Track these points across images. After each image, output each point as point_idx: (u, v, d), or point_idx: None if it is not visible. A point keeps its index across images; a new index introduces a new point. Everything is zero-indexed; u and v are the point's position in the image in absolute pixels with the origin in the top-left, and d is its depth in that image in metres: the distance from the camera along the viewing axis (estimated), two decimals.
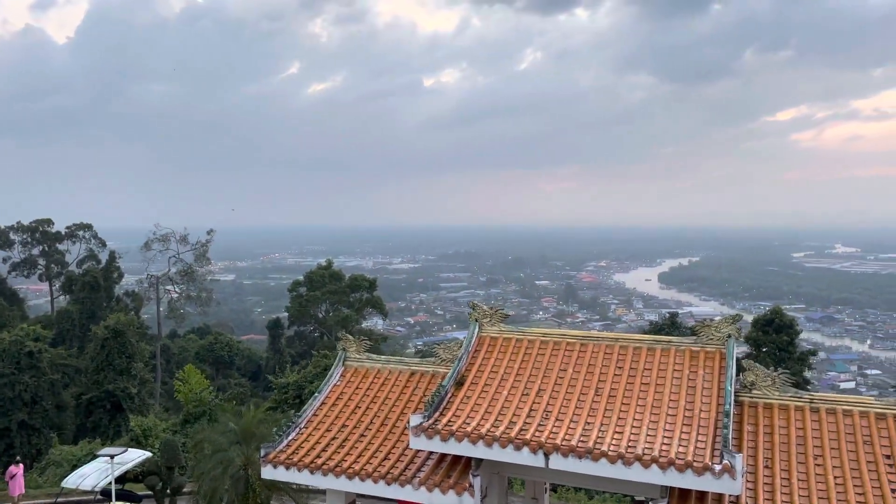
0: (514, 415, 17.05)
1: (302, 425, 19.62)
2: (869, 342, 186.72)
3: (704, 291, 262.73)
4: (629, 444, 15.35)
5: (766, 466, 15.91)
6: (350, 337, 22.58)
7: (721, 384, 16.90)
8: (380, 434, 19.02)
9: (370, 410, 20.06)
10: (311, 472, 17.76)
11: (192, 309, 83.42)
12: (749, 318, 58.37)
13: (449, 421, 16.89)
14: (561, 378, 18.17)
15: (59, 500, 28.43)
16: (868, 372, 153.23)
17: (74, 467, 30.23)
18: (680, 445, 15.12)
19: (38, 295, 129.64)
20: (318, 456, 18.21)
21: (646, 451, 14.98)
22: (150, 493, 27.27)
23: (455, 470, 17.11)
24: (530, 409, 17.18)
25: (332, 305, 76.74)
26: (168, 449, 27.18)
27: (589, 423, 16.35)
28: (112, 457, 24.76)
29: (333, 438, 19.00)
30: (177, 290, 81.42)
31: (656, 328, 52.74)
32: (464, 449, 16.23)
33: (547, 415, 16.88)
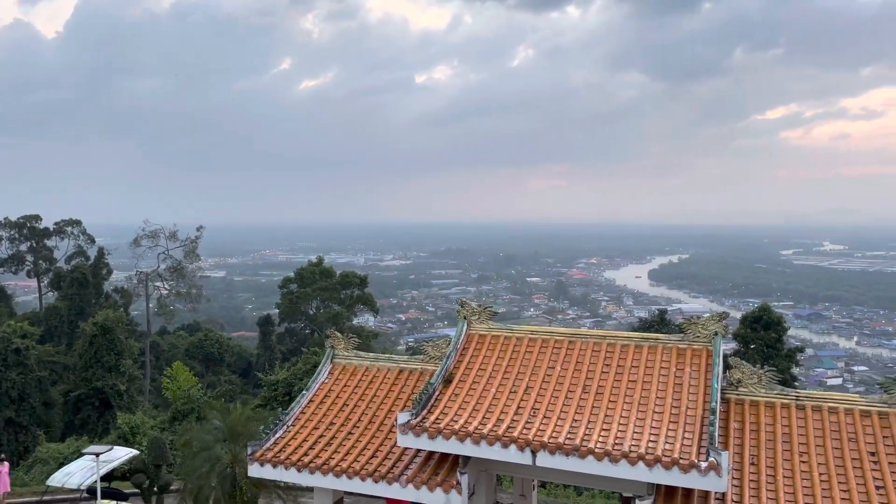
0: (501, 412, 17.06)
1: (289, 423, 19.56)
2: (856, 339, 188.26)
3: (694, 288, 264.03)
4: (616, 442, 15.38)
5: (752, 464, 15.98)
6: (338, 334, 22.51)
7: (708, 382, 16.95)
8: (367, 432, 18.98)
9: (358, 408, 20.02)
10: (299, 471, 17.71)
11: (181, 305, 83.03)
12: (738, 314, 58.70)
13: (437, 419, 16.88)
14: (549, 375, 18.19)
15: (45, 498, 28.22)
16: (855, 368, 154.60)
17: (61, 465, 30.02)
18: (666, 443, 15.17)
19: (26, 291, 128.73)
20: (306, 454, 18.15)
21: (632, 449, 15.02)
22: (137, 491, 27.11)
23: (443, 468, 17.10)
24: (518, 407, 17.19)
25: (322, 302, 76.56)
26: (155, 447, 27.01)
27: (576, 421, 16.38)
28: (97, 455, 24.58)
29: (321, 436, 18.95)
30: (166, 286, 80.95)
31: (646, 325, 52.98)
32: (451, 447, 16.22)
33: (535, 412, 16.90)
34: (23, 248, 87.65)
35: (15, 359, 53.39)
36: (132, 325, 73.84)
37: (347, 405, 20.17)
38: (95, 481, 24.50)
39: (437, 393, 17.89)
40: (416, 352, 28.84)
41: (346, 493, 19.15)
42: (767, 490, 15.18)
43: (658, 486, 15.27)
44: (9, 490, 29.07)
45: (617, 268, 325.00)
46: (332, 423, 19.46)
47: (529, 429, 16.20)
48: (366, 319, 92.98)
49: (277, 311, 79.87)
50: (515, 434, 15.95)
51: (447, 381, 18.39)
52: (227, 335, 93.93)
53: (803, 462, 15.77)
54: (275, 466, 17.97)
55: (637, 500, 15.98)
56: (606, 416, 16.42)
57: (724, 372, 18.02)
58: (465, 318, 20.57)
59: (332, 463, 17.65)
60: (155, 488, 26.70)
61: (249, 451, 18.39)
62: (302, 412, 20.02)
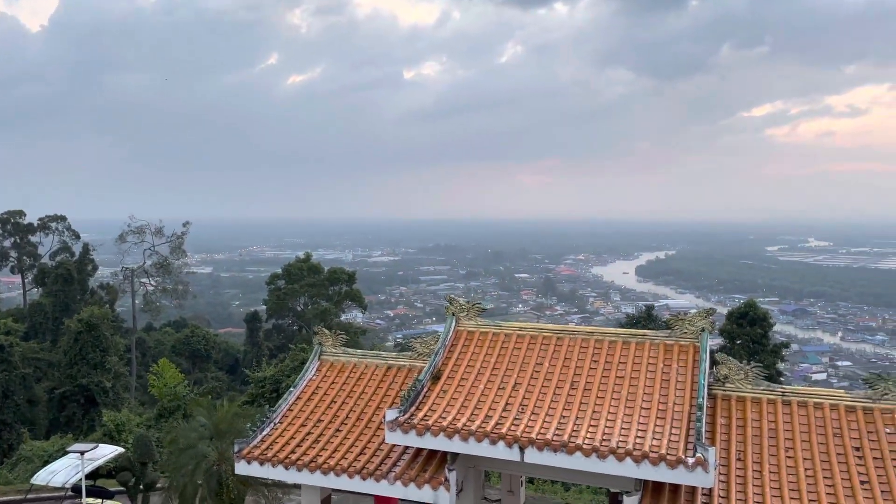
0: (490, 409, 17.05)
1: (277, 420, 19.45)
2: (840, 334, 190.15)
3: (680, 284, 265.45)
4: (604, 438, 15.41)
5: (739, 459, 16.06)
6: (326, 331, 22.41)
7: (695, 378, 17.02)
8: (355, 429, 18.91)
9: (346, 405, 19.94)
10: (286, 468, 17.62)
11: (167, 302, 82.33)
12: (724, 310, 59.04)
13: (425, 415, 16.84)
14: (537, 372, 18.19)
15: (30, 496, 27.96)
16: (839, 363, 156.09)
17: (46, 463, 29.72)
18: (654, 439, 15.22)
19: (10, 287, 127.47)
20: (293, 451, 18.07)
21: (620, 445, 15.05)
22: (122, 489, 26.90)
23: (431, 464, 17.07)
24: (506, 403, 17.18)
25: (310, 298, 76.18)
26: (141, 444, 26.80)
27: (564, 417, 16.40)
28: (82, 453, 24.34)
29: (308, 433, 18.86)
30: (152, 282, 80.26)
31: (633, 321, 53.10)
32: (440, 443, 16.19)
33: (523, 408, 16.90)
34: (6, 243, 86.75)
35: None
36: (118, 322, 73.11)
37: (335, 402, 20.08)
38: (80, 479, 24.27)
39: (425, 390, 17.86)
40: (405, 348, 28.76)
41: (333, 490, 19.10)
42: (754, 485, 15.27)
43: (646, 481, 15.32)
44: None
45: (604, 264, 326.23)
46: (319, 421, 19.37)
47: (518, 425, 16.20)
48: (354, 316, 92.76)
49: (265, 307, 79.42)
50: (504, 431, 15.95)
51: (435, 377, 18.36)
52: (214, 332, 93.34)
53: (789, 457, 15.87)
54: (262, 464, 17.87)
55: (625, 496, 16.01)
56: (594, 412, 16.45)
57: (711, 368, 18.10)
58: (453, 315, 20.53)
59: (320, 460, 17.57)
60: (141, 486, 26.49)
61: (236, 448, 18.28)
62: (289, 409, 19.92)
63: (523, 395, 17.41)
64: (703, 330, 18.20)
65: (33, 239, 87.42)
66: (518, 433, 15.79)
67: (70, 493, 26.28)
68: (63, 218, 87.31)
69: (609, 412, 16.39)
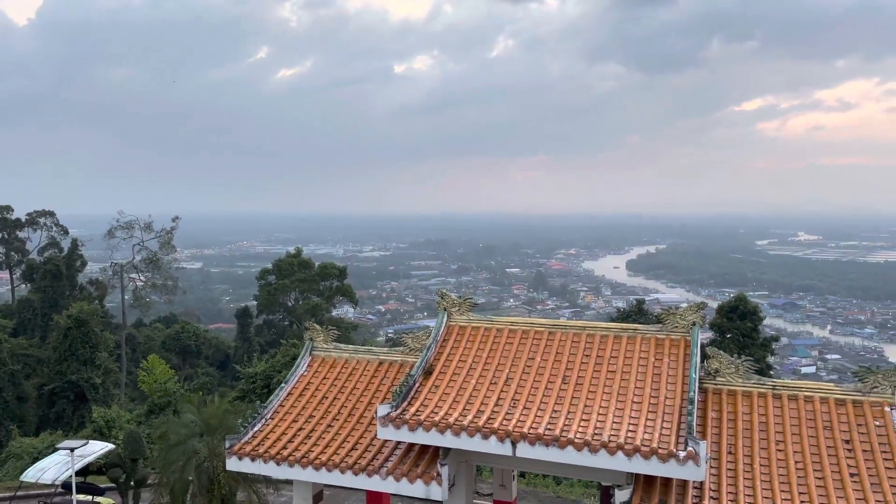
0: (482, 403, 17.05)
1: (268, 416, 19.38)
2: (829, 328, 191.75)
3: (671, 278, 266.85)
4: (595, 432, 15.43)
5: (730, 452, 16.13)
6: (317, 326, 22.33)
7: (686, 372, 17.07)
8: (347, 424, 18.86)
9: (337, 401, 19.88)
10: (277, 464, 17.56)
11: (157, 297, 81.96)
12: (714, 304, 59.31)
13: (417, 410, 16.82)
14: (529, 366, 18.19)
15: (19, 493, 27.80)
16: (828, 357, 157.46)
17: (35, 460, 29.56)
18: (645, 433, 15.25)
19: None
20: (285, 447, 18.01)
21: (612, 439, 15.08)
22: (113, 485, 26.79)
23: (423, 459, 17.06)
24: (498, 398, 17.18)
25: (301, 294, 76.02)
26: (131, 440, 26.69)
27: (556, 412, 16.41)
28: (72, 450, 24.20)
29: (300, 429, 18.80)
30: (142, 278, 79.87)
31: (624, 315, 53.25)
32: (432, 438, 16.17)
33: (515, 403, 16.91)
34: None
35: None
36: (107, 318, 72.79)
37: (327, 398, 20.02)
38: (70, 476, 24.14)
39: (417, 385, 17.83)
40: (396, 343, 28.75)
41: (325, 486, 19.06)
42: (745, 479, 15.34)
43: (637, 475, 15.36)
44: None
45: (595, 258, 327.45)
46: (311, 416, 19.31)
47: (509, 420, 16.21)
48: (345, 311, 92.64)
49: (255, 302, 79.19)
50: (496, 425, 15.94)
51: (427, 372, 18.33)
52: (204, 327, 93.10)
53: (780, 451, 15.95)
54: (253, 460, 17.80)
55: (616, 490, 16.06)
56: (586, 406, 16.47)
57: (702, 362, 18.16)
58: (444, 310, 20.49)
59: (312, 456, 17.52)
60: (131, 482, 26.40)
61: (227, 444, 18.19)
62: (281, 405, 19.85)
63: (515, 389, 17.42)
64: (693, 324, 18.24)
65: (21, 234, 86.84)
66: (510, 428, 15.79)
67: (60, 490, 26.17)
68: (51, 213, 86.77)
69: (600, 406, 16.41)
